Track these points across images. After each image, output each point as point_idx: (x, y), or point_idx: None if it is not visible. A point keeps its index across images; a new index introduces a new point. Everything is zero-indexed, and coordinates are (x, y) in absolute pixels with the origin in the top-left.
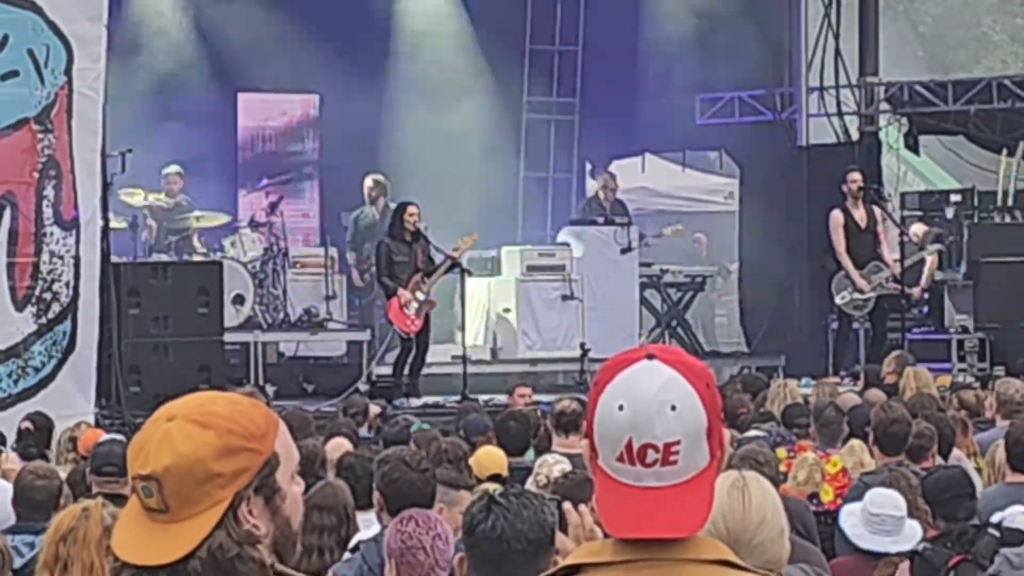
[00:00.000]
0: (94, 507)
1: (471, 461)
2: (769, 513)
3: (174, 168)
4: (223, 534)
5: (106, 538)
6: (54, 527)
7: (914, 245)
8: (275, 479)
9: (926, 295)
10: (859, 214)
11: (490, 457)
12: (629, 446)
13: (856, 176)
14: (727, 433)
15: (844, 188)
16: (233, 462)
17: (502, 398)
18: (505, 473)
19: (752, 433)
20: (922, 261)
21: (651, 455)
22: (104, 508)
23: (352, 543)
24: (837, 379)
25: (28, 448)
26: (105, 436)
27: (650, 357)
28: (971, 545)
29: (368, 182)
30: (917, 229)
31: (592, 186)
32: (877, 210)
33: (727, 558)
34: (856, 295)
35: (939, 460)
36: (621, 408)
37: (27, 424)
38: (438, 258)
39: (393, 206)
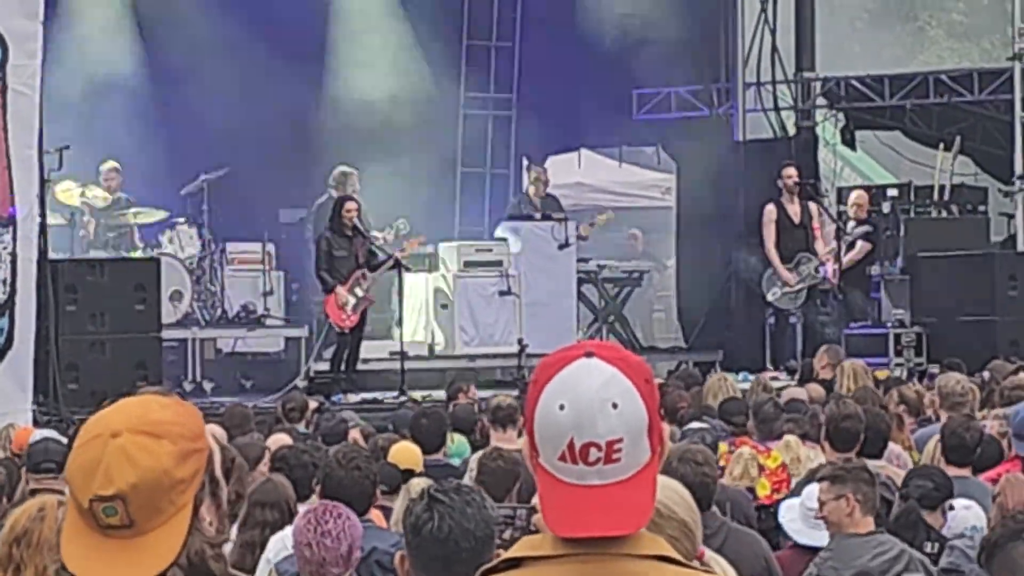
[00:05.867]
0: (49, 508)
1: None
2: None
3: (112, 164)
4: (197, 539)
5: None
6: (8, 527)
7: (850, 226)
8: (215, 472)
9: (840, 284)
10: (794, 209)
11: (404, 453)
12: (571, 445)
13: (791, 171)
14: (666, 428)
15: (779, 183)
16: (189, 465)
17: (441, 394)
18: (419, 468)
19: (695, 425)
20: (852, 245)
21: (594, 454)
22: (60, 508)
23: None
24: (774, 373)
25: None
26: (39, 433)
27: (589, 355)
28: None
29: (336, 172)
30: (857, 197)
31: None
32: (813, 206)
33: (665, 553)
34: (786, 289)
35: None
36: (562, 407)
37: None
38: (379, 254)
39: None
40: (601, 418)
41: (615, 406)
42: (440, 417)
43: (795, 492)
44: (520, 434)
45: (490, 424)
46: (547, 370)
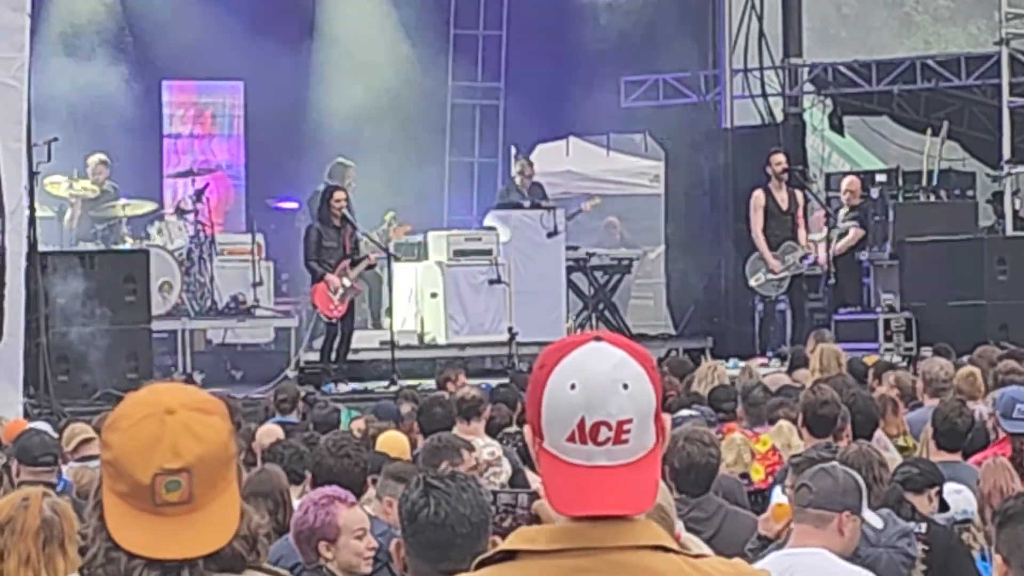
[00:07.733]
0: (34, 498)
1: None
2: None
3: (99, 156)
4: (248, 514)
5: (44, 530)
6: None
7: (844, 214)
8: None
9: (833, 270)
10: (781, 196)
11: (390, 443)
12: (581, 425)
13: (780, 158)
14: (666, 418)
15: (768, 170)
16: (234, 442)
17: (432, 383)
18: (407, 458)
19: (684, 413)
20: (844, 232)
21: (604, 433)
22: (45, 499)
23: None
24: (764, 360)
25: None
26: (31, 426)
27: (597, 339)
28: None
29: (333, 164)
30: (850, 184)
31: None
32: (799, 194)
33: (662, 543)
34: (770, 275)
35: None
36: (573, 387)
37: None
38: (366, 244)
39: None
40: (613, 398)
41: (626, 387)
42: (451, 407)
43: (778, 479)
44: (486, 427)
45: (456, 416)
46: (554, 354)
